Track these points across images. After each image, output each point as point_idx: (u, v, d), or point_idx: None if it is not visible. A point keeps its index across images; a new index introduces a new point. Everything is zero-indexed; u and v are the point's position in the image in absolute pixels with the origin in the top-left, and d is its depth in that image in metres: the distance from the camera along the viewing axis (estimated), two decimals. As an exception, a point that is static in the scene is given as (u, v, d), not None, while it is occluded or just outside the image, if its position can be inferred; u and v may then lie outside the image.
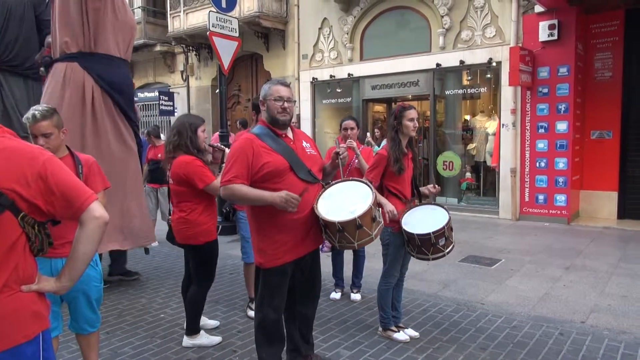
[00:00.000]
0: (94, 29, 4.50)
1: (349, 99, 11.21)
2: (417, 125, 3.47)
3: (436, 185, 3.74)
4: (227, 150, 3.56)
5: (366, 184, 2.78)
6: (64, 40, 4.46)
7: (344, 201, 2.64)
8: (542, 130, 8.43)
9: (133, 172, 4.78)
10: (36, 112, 2.66)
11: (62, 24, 4.47)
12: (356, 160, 4.39)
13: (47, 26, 5.09)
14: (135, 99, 6.21)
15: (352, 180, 2.87)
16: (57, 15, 4.52)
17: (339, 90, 11.32)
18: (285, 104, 2.68)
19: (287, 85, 2.77)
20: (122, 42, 4.74)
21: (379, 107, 12.01)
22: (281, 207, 2.46)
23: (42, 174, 1.57)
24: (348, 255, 4.64)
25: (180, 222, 3.43)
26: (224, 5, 7.25)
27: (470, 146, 9.88)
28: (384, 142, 8.38)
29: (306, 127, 11.51)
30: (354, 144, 4.36)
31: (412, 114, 3.44)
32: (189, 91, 14.66)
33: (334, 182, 2.81)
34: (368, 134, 4.77)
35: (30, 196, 1.56)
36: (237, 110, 13.42)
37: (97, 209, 1.63)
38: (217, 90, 6.97)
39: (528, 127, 8.57)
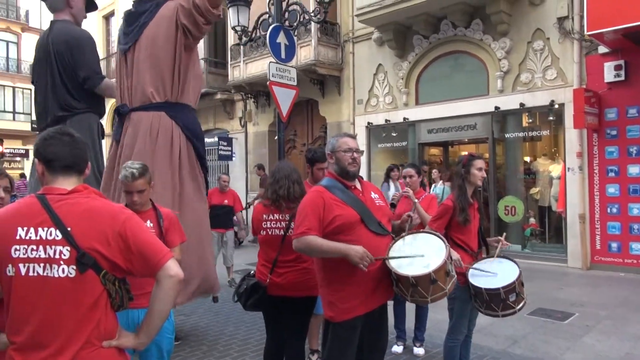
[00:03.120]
0: (183, 79, 4.57)
1: (404, 143, 11.17)
2: (485, 175, 3.39)
3: (501, 239, 3.50)
4: None
5: (438, 236, 2.72)
6: (150, 90, 4.44)
7: (416, 254, 2.57)
8: (612, 174, 7.98)
9: (206, 219, 4.84)
10: (134, 171, 2.85)
11: (148, 74, 4.47)
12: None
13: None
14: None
15: (423, 232, 2.80)
16: (137, 64, 4.50)
17: (394, 134, 11.33)
18: (355, 155, 2.74)
19: (354, 137, 2.85)
20: (194, 92, 4.85)
21: (435, 151, 11.89)
22: (354, 262, 2.42)
23: (122, 232, 1.64)
24: (410, 305, 4.47)
25: (305, 272, 3.25)
26: (283, 56, 7.52)
27: (534, 190, 9.49)
28: (437, 185, 8.28)
29: (361, 172, 11.48)
30: (410, 192, 4.27)
31: (480, 163, 3.38)
32: (247, 136, 15.14)
33: (404, 234, 2.76)
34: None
35: (110, 254, 1.63)
36: (292, 154, 13.68)
37: (172, 267, 1.67)
38: (276, 137, 7.16)
39: (596, 171, 8.15)
